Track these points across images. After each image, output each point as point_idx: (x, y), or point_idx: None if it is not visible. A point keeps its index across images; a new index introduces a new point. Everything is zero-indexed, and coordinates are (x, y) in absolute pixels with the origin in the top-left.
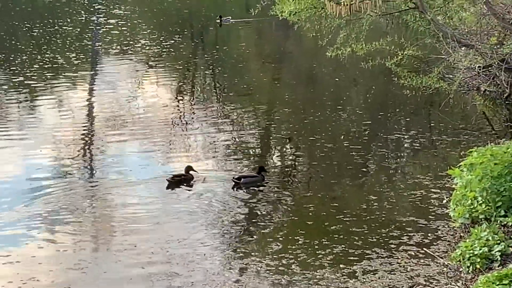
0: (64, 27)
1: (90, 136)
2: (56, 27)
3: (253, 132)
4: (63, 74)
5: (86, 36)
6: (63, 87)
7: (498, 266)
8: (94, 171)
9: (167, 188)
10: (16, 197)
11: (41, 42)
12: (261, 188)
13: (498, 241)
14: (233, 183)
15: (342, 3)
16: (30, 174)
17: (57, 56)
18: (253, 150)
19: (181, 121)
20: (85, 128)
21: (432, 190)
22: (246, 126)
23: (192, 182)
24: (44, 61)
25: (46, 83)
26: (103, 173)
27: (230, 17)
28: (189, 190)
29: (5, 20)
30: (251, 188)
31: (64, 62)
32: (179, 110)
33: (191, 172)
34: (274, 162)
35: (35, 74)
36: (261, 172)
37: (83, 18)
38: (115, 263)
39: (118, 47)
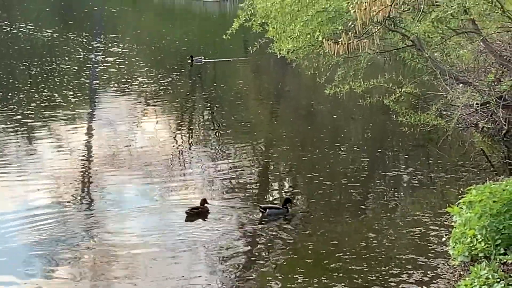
0: (62, 65)
1: (88, 174)
2: (54, 65)
3: (251, 168)
4: (61, 112)
5: (84, 74)
6: (61, 125)
7: None
8: (93, 209)
9: (186, 220)
10: (15, 234)
11: (38, 80)
12: (256, 224)
13: (498, 280)
14: (260, 212)
15: (340, 42)
16: (28, 212)
17: (54, 94)
18: (252, 187)
19: (180, 158)
20: (83, 166)
21: (431, 227)
22: (245, 163)
23: (207, 213)
24: (42, 100)
25: (43, 121)
26: (102, 210)
27: (202, 57)
28: (189, 224)
29: (3, 58)
30: (274, 220)
31: (61, 100)
32: (177, 147)
33: (206, 204)
34: (273, 199)
35: (33, 112)
36: (287, 204)
37: (81, 56)
38: None
39: (116, 85)
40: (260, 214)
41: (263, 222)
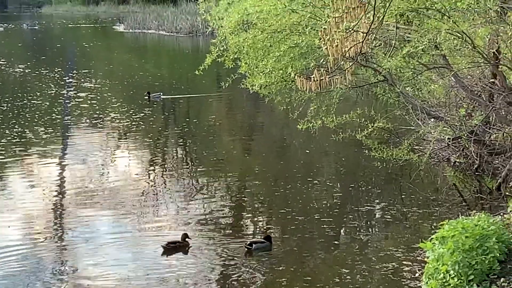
0: (34, 101)
1: (60, 210)
2: (25, 101)
3: (224, 204)
4: (32, 148)
5: (56, 110)
6: (33, 161)
7: None
8: (65, 245)
9: (162, 254)
10: None
11: (10, 116)
12: (231, 262)
13: None
14: (245, 249)
15: (312, 79)
16: None
17: (26, 130)
18: (224, 222)
19: (153, 193)
20: (55, 202)
21: (404, 262)
22: (218, 198)
23: (187, 249)
24: (13, 136)
25: (15, 157)
26: (74, 246)
27: (160, 93)
28: (164, 259)
29: None
30: (260, 253)
31: (33, 136)
32: (150, 182)
33: (187, 239)
34: (245, 234)
35: (4, 148)
36: (269, 240)
37: (53, 91)
38: None
39: (88, 120)
40: (245, 250)
41: (235, 258)
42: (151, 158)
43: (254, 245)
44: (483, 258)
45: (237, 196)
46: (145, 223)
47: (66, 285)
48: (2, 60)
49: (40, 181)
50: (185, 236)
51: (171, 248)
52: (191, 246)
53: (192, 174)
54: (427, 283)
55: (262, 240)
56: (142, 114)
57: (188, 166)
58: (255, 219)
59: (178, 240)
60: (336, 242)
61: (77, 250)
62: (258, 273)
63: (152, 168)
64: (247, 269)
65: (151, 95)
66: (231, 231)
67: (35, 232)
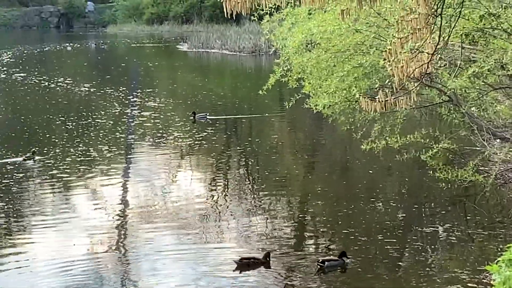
0: (98, 120)
1: (123, 228)
2: (90, 120)
3: (287, 223)
4: (96, 167)
5: (120, 129)
6: (96, 179)
7: None
8: (129, 263)
9: (235, 270)
10: None
11: (74, 135)
12: (288, 282)
13: None
14: (318, 266)
15: (377, 100)
16: (64, 266)
17: (90, 149)
18: (287, 243)
19: (215, 212)
20: (118, 220)
21: (470, 285)
22: (280, 217)
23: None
24: (77, 154)
25: (79, 175)
26: (137, 264)
27: (207, 114)
28: (219, 283)
29: (41, 113)
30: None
31: (96, 155)
32: (213, 201)
33: (268, 258)
34: (308, 255)
35: (68, 167)
36: (343, 256)
37: (117, 110)
38: None
39: (151, 139)
40: (318, 267)
41: (304, 277)
42: (213, 177)
43: (326, 262)
44: None
45: (300, 215)
46: (207, 242)
47: None
48: (68, 79)
49: (103, 199)
50: (267, 255)
51: (244, 264)
52: (268, 265)
53: (254, 194)
54: None
55: (335, 258)
56: (205, 134)
57: (250, 186)
58: (318, 239)
59: (254, 256)
60: (399, 263)
61: (141, 268)
62: None
63: (214, 187)
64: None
65: (197, 116)
66: (293, 250)
67: (99, 250)
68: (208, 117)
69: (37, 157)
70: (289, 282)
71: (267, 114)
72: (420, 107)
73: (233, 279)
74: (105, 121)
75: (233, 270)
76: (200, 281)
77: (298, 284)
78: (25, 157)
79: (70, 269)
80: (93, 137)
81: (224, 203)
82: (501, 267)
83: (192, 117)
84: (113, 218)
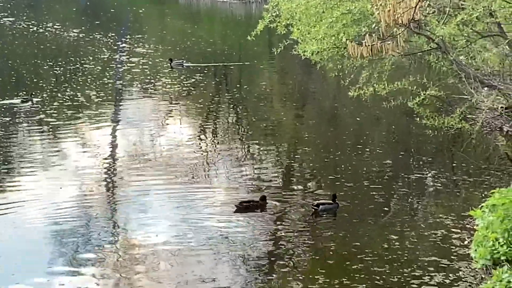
0: (86, 65)
1: (112, 172)
2: (78, 65)
3: (275, 170)
4: (84, 111)
5: (108, 74)
6: (84, 124)
7: None
8: (117, 207)
9: (235, 212)
10: (38, 232)
11: (62, 80)
12: (279, 225)
13: None
14: (313, 210)
15: (364, 44)
16: (52, 211)
17: (78, 94)
18: (275, 189)
19: (204, 158)
20: (107, 165)
21: (454, 230)
22: (268, 163)
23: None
24: (65, 99)
25: (67, 120)
26: (125, 210)
27: (183, 60)
28: (208, 226)
29: (29, 58)
30: (326, 215)
31: (84, 100)
32: (201, 147)
33: (264, 201)
34: (295, 201)
35: (56, 111)
36: (335, 199)
37: (106, 56)
38: None
39: (139, 85)
40: (313, 210)
41: (285, 221)
42: (202, 123)
43: (321, 206)
44: None
45: (288, 162)
46: (196, 186)
47: (117, 243)
48: (57, 24)
49: (92, 144)
50: (264, 197)
51: (242, 207)
52: (265, 208)
53: (243, 140)
54: (476, 250)
55: (329, 201)
56: (193, 80)
57: (239, 132)
58: (307, 184)
59: (252, 200)
60: (385, 209)
61: (129, 211)
62: (305, 238)
63: (203, 133)
64: (294, 234)
65: (173, 62)
66: (282, 195)
67: (86, 194)
68: (185, 64)
69: (35, 99)
70: (284, 224)
71: (255, 61)
72: (408, 54)
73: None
74: (93, 66)
75: (234, 212)
76: (188, 223)
77: (292, 226)
78: (23, 99)
79: (57, 212)
80: (81, 82)
81: (213, 149)
82: (484, 213)
83: (169, 64)
84: (101, 162)
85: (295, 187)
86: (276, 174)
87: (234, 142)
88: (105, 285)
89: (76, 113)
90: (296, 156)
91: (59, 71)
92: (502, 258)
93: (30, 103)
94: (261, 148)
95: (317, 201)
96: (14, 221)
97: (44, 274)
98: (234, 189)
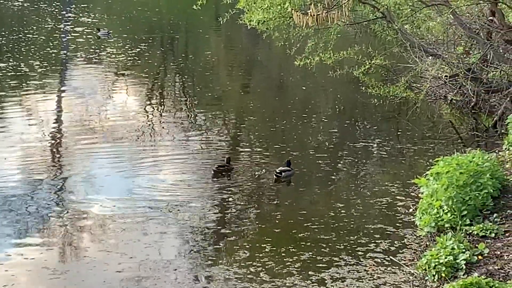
0: (29, 35)
1: (57, 143)
2: (20, 35)
3: (221, 140)
4: (28, 82)
5: (52, 45)
6: (28, 95)
7: (463, 275)
8: (62, 179)
9: (213, 177)
10: None
11: (4, 50)
12: (226, 194)
13: (463, 250)
14: (275, 177)
15: (309, 14)
16: None
17: (21, 64)
18: (222, 157)
19: (150, 128)
20: (52, 136)
21: (399, 198)
22: (215, 134)
23: (231, 172)
24: (8, 69)
25: (10, 91)
26: (71, 181)
27: (107, 30)
28: (154, 196)
29: None
30: (285, 180)
31: (28, 70)
32: (148, 118)
33: (231, 162)
34: (241, 170)
35: None
36: (289, 165)
37: (50, 26)
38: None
39: (84, 55)
40: (276, 177)
41: (233, 191)
42: (148, 94)
43: (283, 173)
44: (477, 194)
45: (234, 131)
46: (143, 157)
47: (63, 213)
48: None
49: (36, 114)
50: (229, 159)
51: (220, 172)
52: (233, 169)
53: (189, 110)
54: (420, 218)
55: (289, 168)
56: (138, 50)
57: (185, 102)
58: (251, 154)
59: (226, 164)
60: (332, 177)
61: (76, 183)
62: (251, 207)
63: (149, 103)
64: (240, 203)
65: (100, 32)
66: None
67: (32, 165)
68: (110, 33)
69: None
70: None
71: (200, 31)
72: (353, 23)
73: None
74: (37, 36)
75: (212, 178)
76: (135, 193)
77: (238, 195)
78: None
79: (1, 183)
80: (24, 52)
81: (159, 119)
82: (429, 180)
83: (97, 33)
84: (46, 132)
85: (241, 157)
86: (222, 143)
87: (180, 112)
88: (51, 255)
89: (20, 84)
90: (242, 126)
91: (1, 41)
92: (446, 225)
93: None
94: (208, 118)
95: (279, 168)
96: None
97: None
98: (181, 159)
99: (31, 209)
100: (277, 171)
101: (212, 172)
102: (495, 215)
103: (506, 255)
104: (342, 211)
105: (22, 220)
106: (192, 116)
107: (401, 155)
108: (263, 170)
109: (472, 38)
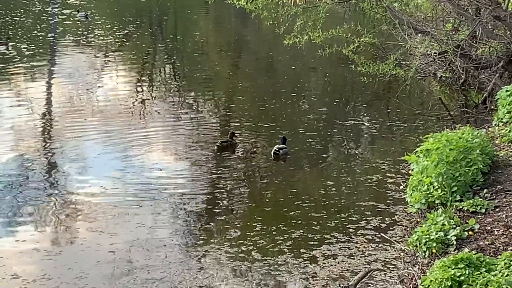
0: (16, 18)
1: (47, 127)
2: (8, 18)
3: (211, 120)
4: (16, 65)
5: (39, 27)
6: (16, 78)
7: (454, 251)
8: (52, 161)
9: (216, 152)
10: None
11: None
12: (217, 174)
13: (454, 226)
14: (274, 155)
15: None
16: None
17: (8, 47)
18: (212, 138)
19: (140, 111)
20: (42, 119)
21: (389, 175)
22: (205, 115)
23: (235, 147)
24: None
25: None
26: (61, 163)
27: (85, 13)
28: (145, 176)
29: None
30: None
31: (15, 53)
32: (138, 99)
33: (234, 137)
34: (232, 149)
35: None
36: (285, 142)
37: (38, 8)
38: (75, 249)
39: (72, 37)
40: (275, 155)
41: (224, 170)
42: (137, 75)
43: (281, 150)
44: (467, 170)
45: (224, 111)
46: (133, 139)
47: (55, 197)
48: None
49: (25, 98)
50: (232, 134)
51: (223, 147)
52: (237, 144)
53: (179, 91)
54: (411, 195)
55: (285, 146)
56: (126, 31)
57: (175, 83)
58: (242, 133)
59: (229, 139)
60: (322, 155)
61: (67, 165)
62: (241, 186)
63: (139, 85)
64: (231, 183)
65: (78, 14)
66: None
67: (22, 147)
68: (88, 16)
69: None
70: (219, 173)
71: (189, 11)
72: (342, 1)
73: (159, 172)
74: (24, 19)
75: (215, 152)
76: (126, 175)
77: (228, 175)
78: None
79: None
80: (11, 36)
81: (148, 101)
82: (419, 157)
83: (76, 13)
84: (36, 116)
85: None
86: (212, 124)
87: (170, 93)
88: (42, 237)
89: (7, 67)
90: (231, 105)
91: None
92: (437, 201)
93: (4, 47)
94: (197, 98)
95: (276, 146)
96: None
97: None
98: (171, 140)
99: (22, 191)
100: (275, 149)
101: (215, 148)
102: (485, 190)
103: (497, 231)
104: (333, 189)
105: (12, 202)
106: (182, 96)
107: (391, 132)
108: (255, 149)
109: (461, 15)
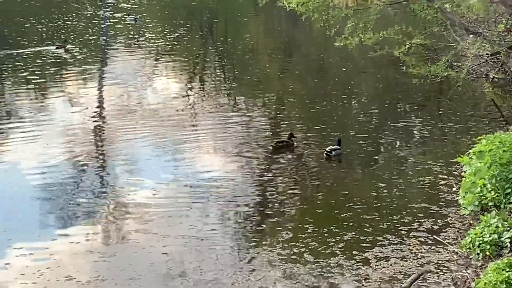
0: (68, 22)
1: (100, 130)
2: (60, 22)
3: (262, 122)
4: (69, 69)
5: (91, 31)
6: (69, 81)
7: (508, 253)
8: (105, 164)
9: (272, 152)
10: (27, 191)
11: (44, 36)
12: (268, 176)
13: (508, 228)
14: (326, 156)
15: None
16: (40, 169)
17: (61, 50)
18: (263, 139)
19: (191, 112)
20: (95, 122)
21: (442, 177)
22: (255, 117)
23: (292, 148)
24: (48, 56)
25: (51, 78)
26: (114, 166)
27: (134, 16)
28: (196, 178)
29: (11, 15)
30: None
31: (67, 57)
32: (189, 102)
33: (293, 138)
34: (283, 151)
35: (39, 69)
36: (340, 144)
37: (89, 12)
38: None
39: (123, 40)
40: (326, 156)
41: (275, 172)
42: (188, 78)
43: (333, 152)
44: None
45: (274, 113)
46: (185, 141)
47: (108, 199)
48: None
49: (78, 101)
50: (291, 135)
51: (278, 147)
52: (296, 146)
53: (229, 93)
54: (464, 196)
55: (338, 147)
56: (177, 34)
57: (225, 86)
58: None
59: (285, 140)
60: (374, 157)
61: (119, 167)
62: (294, 188)
63: (189, 87)
64: (283, 185)
65: (129, 17)
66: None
67: (75, 150)
68: (137, 20)
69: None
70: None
71: (239, 14)
72: (393, 3)
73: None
74: (76, 23)
75: (270, 153)
76: (178, 176)
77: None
78: (57, 45)
79: (46, 170)
80: (70, 39)
81: (200, 103)
82: (471, 159)
83: (126, 16)
84: (89, 119)
85: (283, 138)
86: (263, 126)
87: (220, 95)
88: (96, 239)
89: (60, 71)
90: (282, 108)
91: (41, 28)
92: (490, 203)
93: (63, 50)
94: (248, 101)
95: (329, 147)
96: (1, 180)
97: (36, 231)
98: (222, 142)
99: (75, 194)
100: (327, 150)
101: (270, 148)
102: None
103: None
104: (385, 191)
105: (66, 205)
106: (233, 99)
107: (443, 134)
108: (307, 150)
109: None
